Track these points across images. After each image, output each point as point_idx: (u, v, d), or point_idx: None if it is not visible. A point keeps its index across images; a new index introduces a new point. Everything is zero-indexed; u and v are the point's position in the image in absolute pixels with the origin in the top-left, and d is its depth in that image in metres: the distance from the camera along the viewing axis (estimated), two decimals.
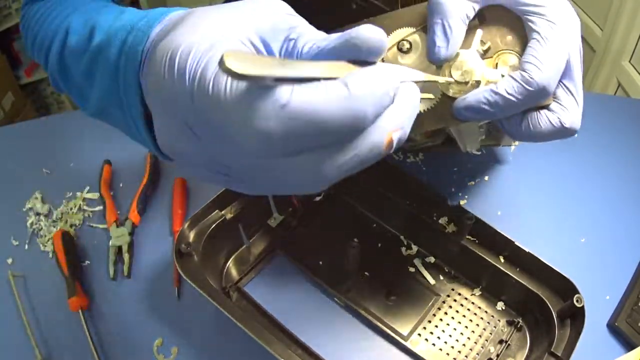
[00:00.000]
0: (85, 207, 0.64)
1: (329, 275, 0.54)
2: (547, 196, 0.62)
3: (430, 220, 0.54)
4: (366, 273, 0.55)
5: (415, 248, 0.57)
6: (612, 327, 0.50)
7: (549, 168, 0.65)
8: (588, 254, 0.56)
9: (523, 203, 0.61)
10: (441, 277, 0.55)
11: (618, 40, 1.22)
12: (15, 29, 1.91)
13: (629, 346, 0.49)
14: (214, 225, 0.52)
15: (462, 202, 0.61)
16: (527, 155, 0.66)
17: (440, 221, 0.54)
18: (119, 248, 0.58)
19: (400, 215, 0.57)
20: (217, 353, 0.50)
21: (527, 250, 0.49)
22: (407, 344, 0.50)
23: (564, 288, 0.47)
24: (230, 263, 0.55)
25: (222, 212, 0.53)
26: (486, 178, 0.64)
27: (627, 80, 1.21)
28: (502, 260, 0.52)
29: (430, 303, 0.53)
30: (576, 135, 0.36)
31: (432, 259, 0.56)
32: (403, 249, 0.57)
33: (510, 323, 0.51)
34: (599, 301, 0.52)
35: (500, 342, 0.50)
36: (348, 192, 0.60)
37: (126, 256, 0.57)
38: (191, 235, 0.51)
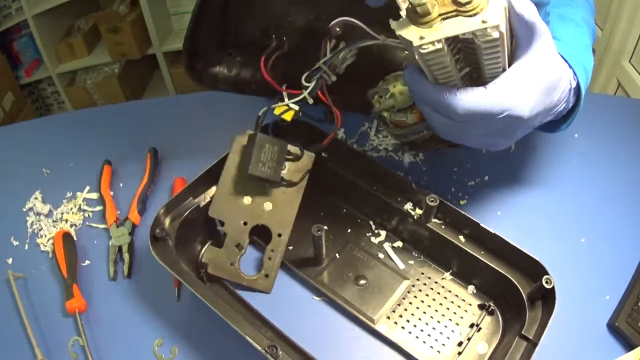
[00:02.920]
0: (85, 207, 0.64)
1: (299, 260, 0.55)
2: (547, 196, 0.62)
3: (397, 205, 0.55)
4: (336, 256, 0.56)
5: (384, 233, 0.57)
6: (612, 327, 0.50)
7: (549, 168, 0.65)
8: (588, 254, 0.56)
9: (523, 203, 0.61)
10: (411, 262, 0.55)
11: (618, 40, 1.22)
12: (15, 29, 1.91)
13: (629, 346, 0.48)
14: (188, 211, 0.53)
15: (462, 202, 0.61)
16: (527, 155, 0.66)
17: (406, 206, 0.54)
18: (119, 248, 0.58)
19: (368, 201, 0.57)
20: (217, 353, 0.50)
21: (493, 231, 0.50)
22: (376, 327, 0.50)
23: (534, 270, 0.47)
24: (205, 249, 0.56)
25: (196, 199, 0.54)
26: (486, 178, 0.64)
27: (627, 80, 1.21)
28: (470, 242, 0.52)
29: (400, 287, 0.53)
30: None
31: (400, 244, 0.56)
32: (371, 233, 0.58)
33: (481, 307, 0.51)
34: (599, 301, 0.52)
35: (472, 325, 0.50)
36: (317, 179, 0.60)
37: (126, 256, 0.57)
38: (166, 222, 0.52)
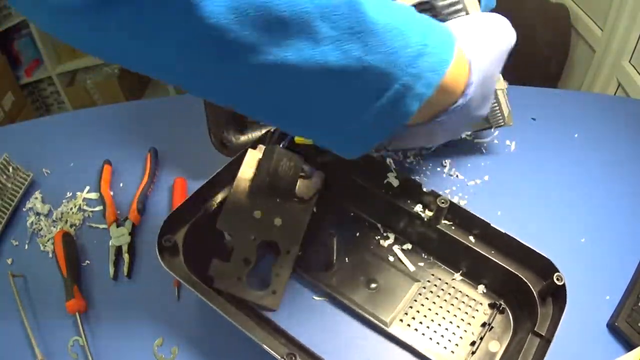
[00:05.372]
0: (85, 207, 0.64)
1: (311, 265, 0.55)
2: (547, 196, 0.62)
3: (406, 207, 0.55)
4: (346, 260, 0.56)
5: (392, 236, 0.57)
6: (612, 327, 0.50)
7: (549, 168, 0.65)
8: (588, 254, 0.56)
9: (523, 203, 0.61)
10: (421, 264, 0.55)
11: (618, 40, 1.22)
12: (15, 28, 1.91)
13: (629, 346, 0.49)
14: (194, 218, 0.53)
15: (462, 202, 0.61)
16: (527, 155, 0.66)
17: (415, 208, 0.54)
18: (119, 248, 0.58)
19: (376, 204, 0.57)
20: (217, 353, 0.50)
21: (503, 231, 0.50)
22: (389, 330, 0.50)
23: (544, 267, 0.48)
24: (211, 262, 0.55)
25: (203, 207, 0.54)
26: (486, 178, 0.64)
27: (627, 80, 1.21)
28: (480, 242, 0.52)
29: (411, 289, 0.53)
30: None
31: (409, 246, 0.56)
32: (380, 236, 0.58)
33: (492, 306, 0.51)
34: (599, 301, 0.52)
35: (483, 325, 0.50)
36: (326, 183, 0.60)
37: (126, 256, 0.57)
38: (173, 229, 0.51)
